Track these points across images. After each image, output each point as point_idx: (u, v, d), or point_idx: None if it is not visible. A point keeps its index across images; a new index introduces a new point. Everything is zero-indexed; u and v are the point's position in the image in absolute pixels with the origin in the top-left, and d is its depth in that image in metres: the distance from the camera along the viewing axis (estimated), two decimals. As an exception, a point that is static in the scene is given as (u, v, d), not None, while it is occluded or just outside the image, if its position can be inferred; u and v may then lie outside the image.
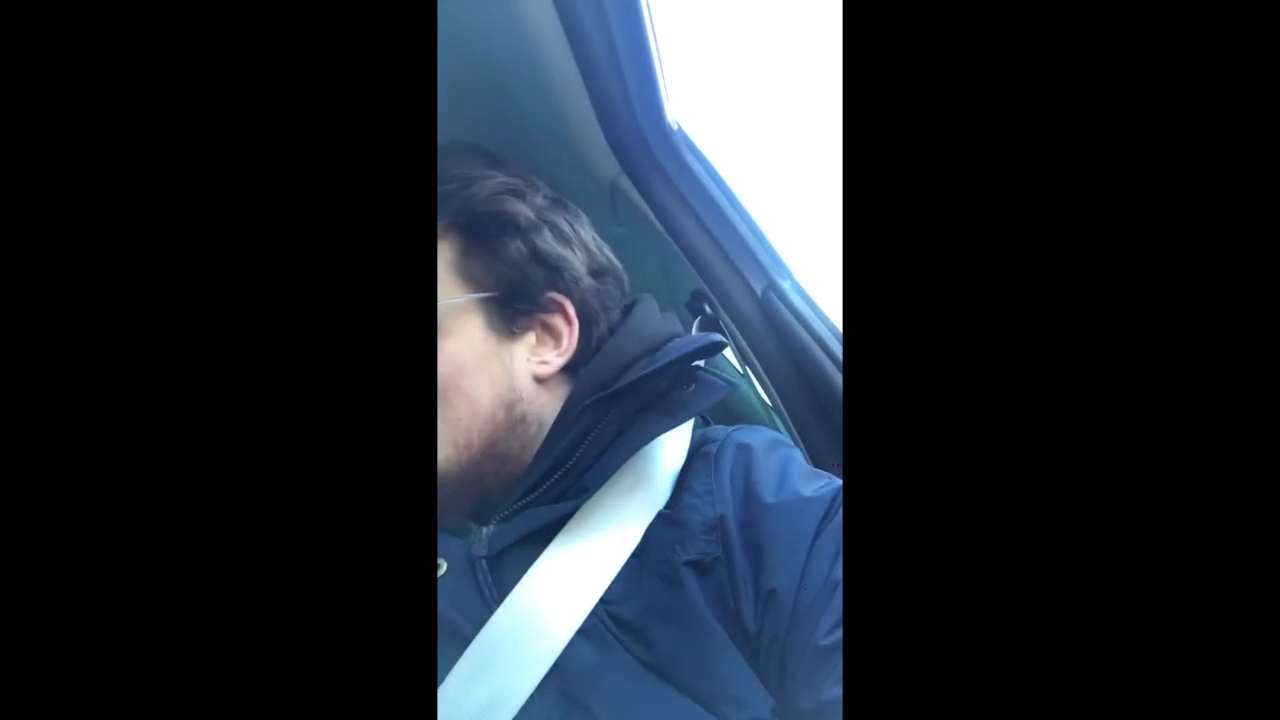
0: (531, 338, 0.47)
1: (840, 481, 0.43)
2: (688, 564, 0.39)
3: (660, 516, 0.42)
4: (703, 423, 0.50)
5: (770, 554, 0.39)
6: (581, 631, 0.38)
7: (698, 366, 0.46)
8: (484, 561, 0.41)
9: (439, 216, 0.45)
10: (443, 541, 0.43)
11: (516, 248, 0.45)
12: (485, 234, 0.45)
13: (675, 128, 0.68)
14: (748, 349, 0.69)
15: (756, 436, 0.46)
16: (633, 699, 0.37)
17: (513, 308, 0.46)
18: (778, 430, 0.67)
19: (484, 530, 0.43)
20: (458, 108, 0.52)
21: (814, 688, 0.35)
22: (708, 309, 0.73)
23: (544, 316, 0.47)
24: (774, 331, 0.68)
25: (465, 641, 0.38)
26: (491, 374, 0.44)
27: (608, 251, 0.52)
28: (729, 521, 0.40)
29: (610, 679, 0.38)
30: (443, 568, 0.41)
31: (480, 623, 0.39)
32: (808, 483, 0.42)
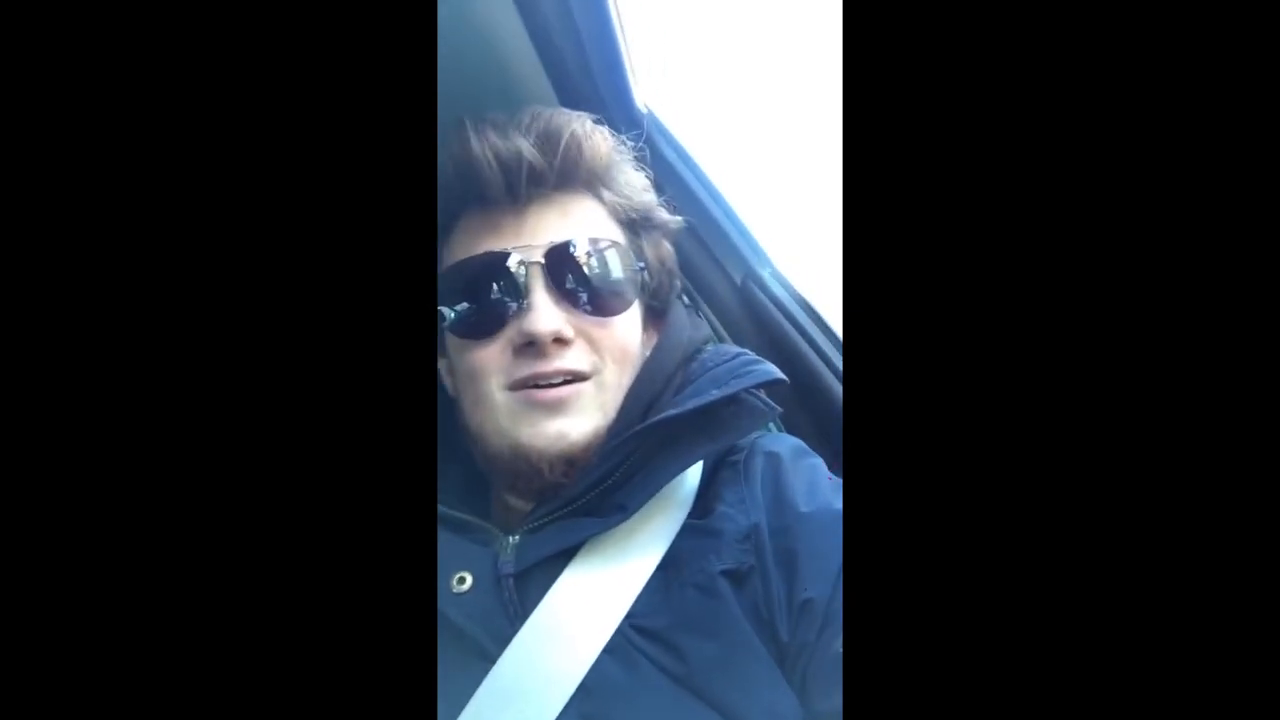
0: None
1: None
2: (723, 573, 0.39)
3: (690, 528, 0.42)
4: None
5: (805, 563, 0.38)
6: (608, 649, 0.38)
7: (747, 390, 0.44)
8: (511, 580, 0.40)
9: None
10: (467, 554, 0.41)
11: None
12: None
13: (645, 111, 0.66)
14: (727, 337, 0.67)
15: (782, 444, 0.46)
16: (660, 716, 0.36)
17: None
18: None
19: (510, 540, 0.42)
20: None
21: (832, 695, 0.35)
22: (686, 299, 0.71)
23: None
24: (754, 319, 0.66)
25: (489, 659, 0.37)
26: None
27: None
28: (762, 530, 0.40)
29: (637, 698, 0.37)
30: (466, 582, 0.40)
31: (504, 640, 0.38)
32: (838, 495, 0.42)
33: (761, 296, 0.66)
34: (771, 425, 0.71)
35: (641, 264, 0.48)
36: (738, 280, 0.68)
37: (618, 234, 0.47)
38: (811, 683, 0.37)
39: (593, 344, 0.44)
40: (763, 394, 0.44)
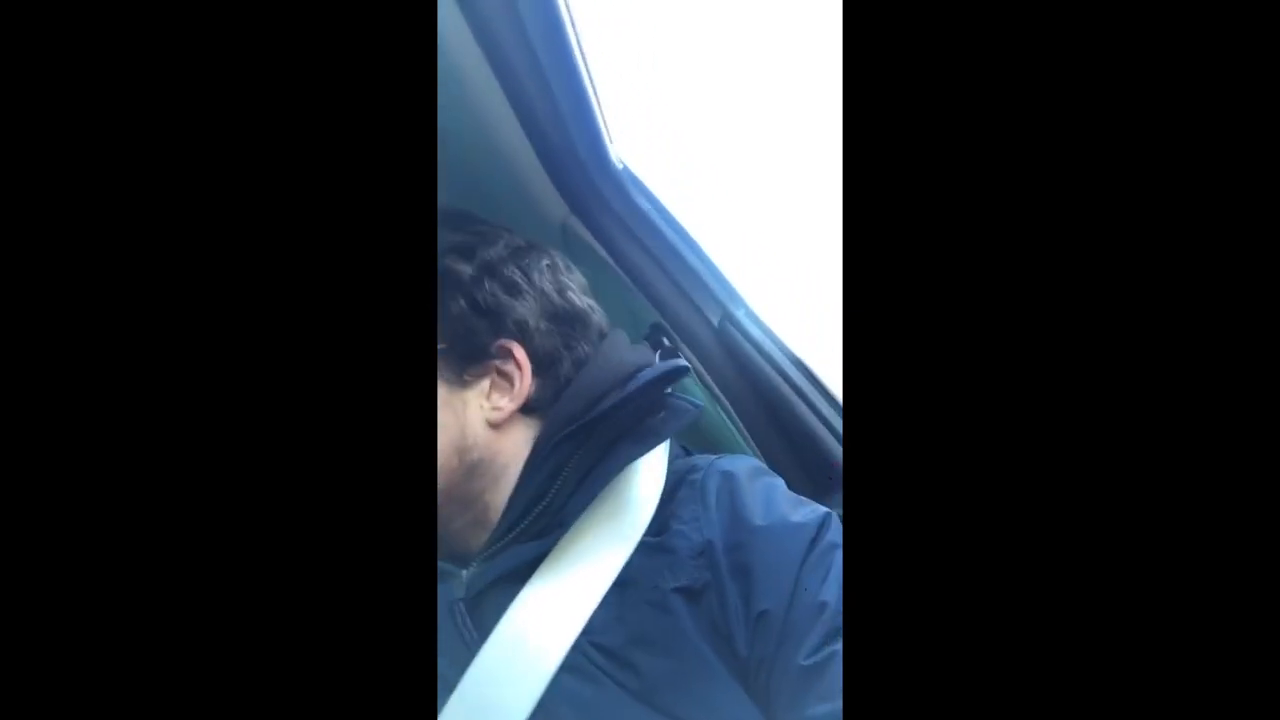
0: (485, 384, 0.48)
1: (824, 509, 0.44)
2: (677, 590, 0.40)
3: (646, 545, 0.42)
4: (684, 452, 0.52)
5: (760, 576, 0.39)
6: (566, 668, 0.39)
7: (667, 393, 0.48)
8: (461, 605, 0.42)
9: None
10: None
11: (457, 304, 0.47)
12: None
13: (620, 167, 0.69)
14: (710, 380, 0.70)
15: (740, 464, 0.47)
16: None
17: (461, 358, 0.47)
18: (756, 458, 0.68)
19: (464, 573, 0.44)
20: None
21: (796, 707, 0.36)
22: (666, 341, 0.74)
23: (497, 363, 0.48)
24: (733, 360, 0.69)
25: (449, 687, 0.39)
26: (443, 423, 0.45)
27: (573, 294, 0.52)
28: (716, 546, 0.41)
29: (599, 713, 0.38)
30: None
31: (463, 665, 0.39)
32: (794, 508, 0.43)
33: (739, 337, 0.69)
34: (750, 448, 0.75)
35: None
36: (715, 322, 0.71)
37: None
38: (776, 697, 0.37)
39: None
40: (690, 398, 0.48)
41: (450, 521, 0.45)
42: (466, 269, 0.48)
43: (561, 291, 0.52)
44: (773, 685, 0.37)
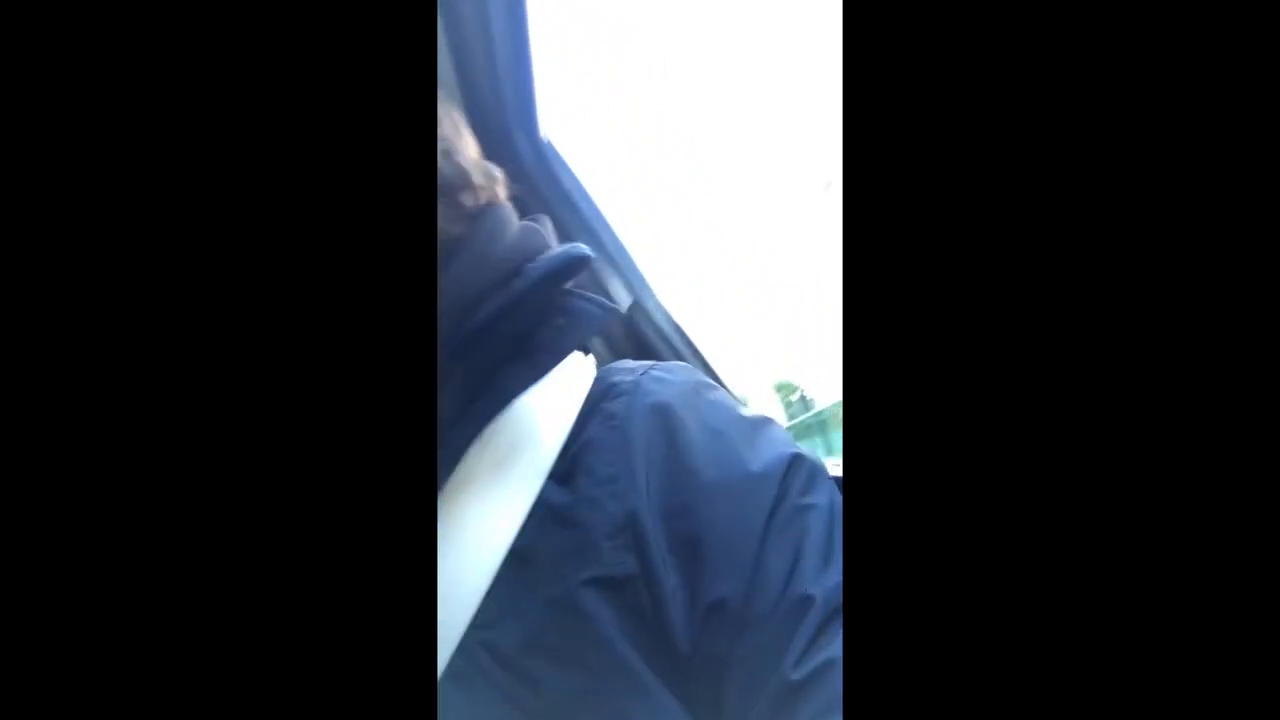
0: None
1: (790, 449, 0.34)
2: (588, 583, 0.29)
3: (547, 510, 0.31)
4: (588, 358, 0.39)
5: (710, 551, 0.29)
6: (452, 676, 0.30)
7: (568, 292, 0.37)
8: None
9: None
10: None
11: None
12: None
13: (546, 141, 0.68)
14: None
15: (673, 386, 0.35)
16: None
17: None
18: None
19: None
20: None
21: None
22: (645, 327, 0.74)
23: None
24: (638, 349, 0.71)
25: None
26: None
27: (464, 157, 0.37)
28: (643, 519, 0.30)
29: None
30: None
31: None
32: (750, 445, 0.33)
33: (645, 326, 0.71)
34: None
35: None
36: (623, 308, 0.72)
37: None
38: (748, 710, 0.28)
39: None
40: (597, 299, 0.36)
41: None
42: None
43: (449, 151, 0.36)
44: (737, 697, 0.28)
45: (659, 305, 0.73)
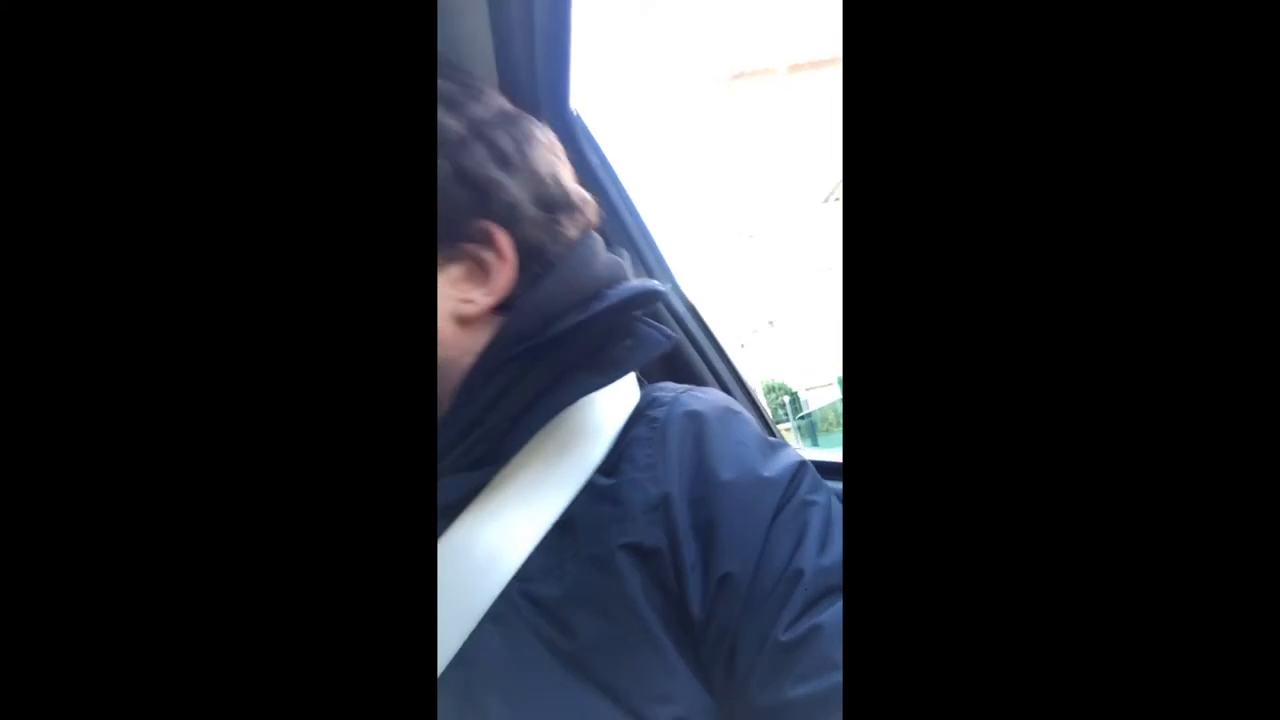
0: (456, 270, 0.40)
1: (797, 459, 0.40)
2: (624, 547, 0.35)
3: (594, 489, 0.38)
4: (647, 380, 0.47)
5: (724, 535, 0.35)
6: (492, 616, 0.35)
7: (637, 318, 0.42)
8: None
9: None
10: None
11: (440, 165, 0.39)
12: None
13: (575, 114, 0.67)
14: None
15: (707, 402, 0.42)
16: (536, 697, 0.34)
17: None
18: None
19: None
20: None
21: (775, 685, 0.32)
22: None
23: (474, 248, 0.40)
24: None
25: None
26: None
27: (566, 181, 0.44)
28: (674, 501, 0.36)
29: (517, 673, 0.34)
30: None
31: None
32: (765, 458, 0.39)
33: (662, 309, 0.70)
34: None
35: None
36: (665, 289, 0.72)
37: None
38: (751, 674, 0.33)
39: None
40: (663, 329, 0.42)
41: None
42: (455, 126, 0.40)
43: (555, 175, 0.43)
44: (741, 660, 0.34)
45: (677, 288, 0.72)
